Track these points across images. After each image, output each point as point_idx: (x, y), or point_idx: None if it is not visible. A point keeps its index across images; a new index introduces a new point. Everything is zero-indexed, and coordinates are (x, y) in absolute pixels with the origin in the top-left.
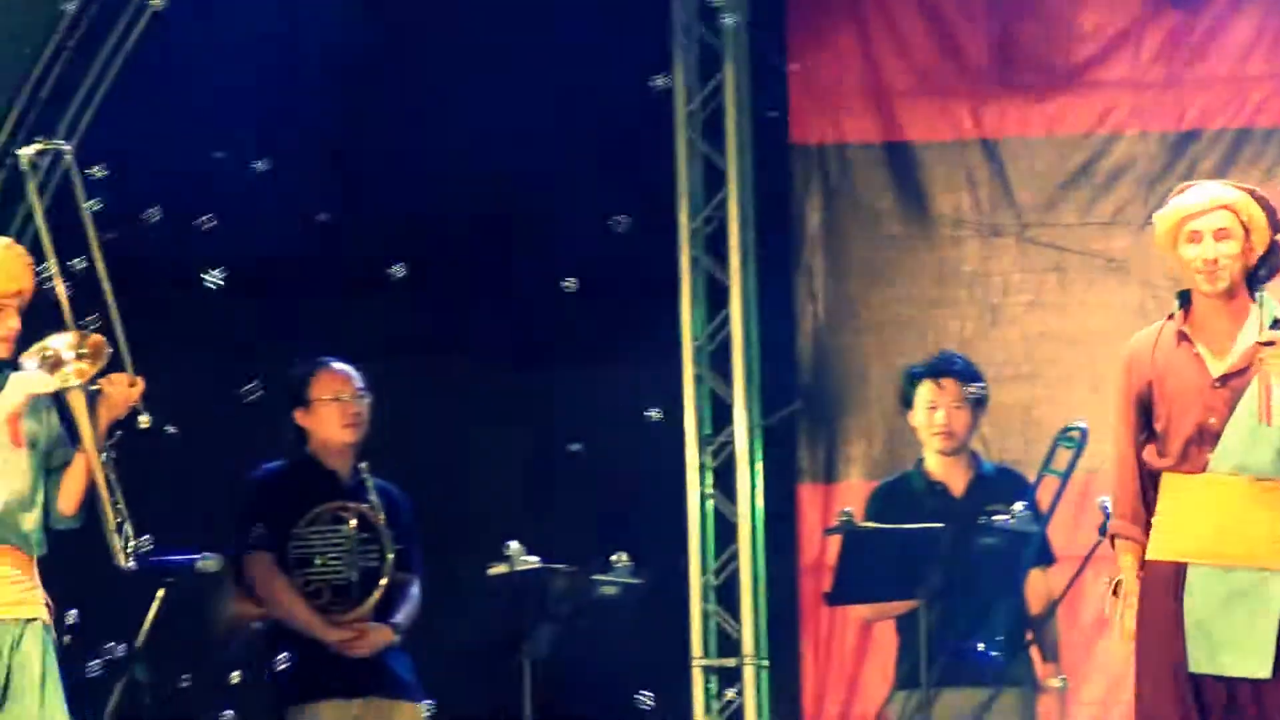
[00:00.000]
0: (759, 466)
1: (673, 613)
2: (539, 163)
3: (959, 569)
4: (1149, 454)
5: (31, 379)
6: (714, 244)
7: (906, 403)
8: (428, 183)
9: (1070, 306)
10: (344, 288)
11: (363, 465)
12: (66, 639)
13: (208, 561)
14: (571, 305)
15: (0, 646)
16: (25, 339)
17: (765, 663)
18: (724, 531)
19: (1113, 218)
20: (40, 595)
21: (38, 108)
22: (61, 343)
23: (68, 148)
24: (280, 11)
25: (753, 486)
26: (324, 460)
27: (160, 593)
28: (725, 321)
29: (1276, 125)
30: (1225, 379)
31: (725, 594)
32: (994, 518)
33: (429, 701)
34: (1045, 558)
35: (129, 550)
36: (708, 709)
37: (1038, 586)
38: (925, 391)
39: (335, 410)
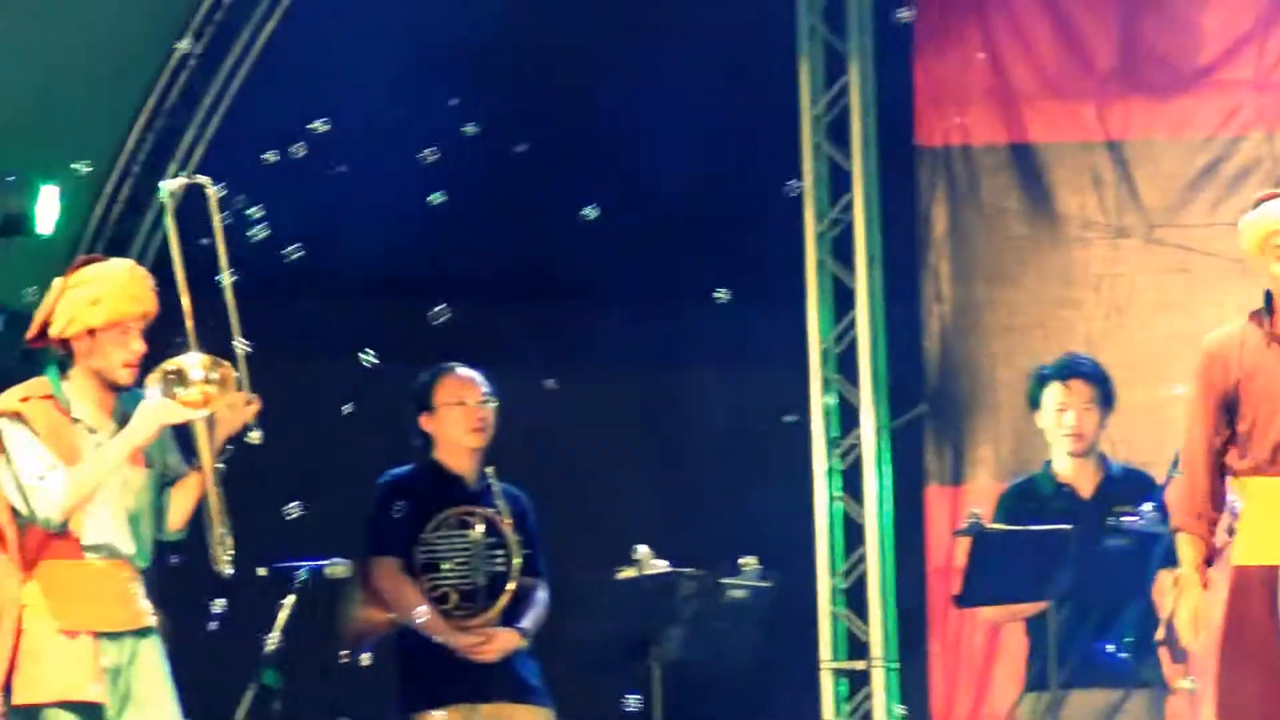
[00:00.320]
0: (886, 469)
1: (801, 616)
2: (666, 166)
3: (1088, 570)
4: (1230, 456)
5: (162, 410)
6: (840, 247)
7: (1034, 404)
8: (554, 188)
9: (1197, 307)
10: (470, 292)
11: (489, 470)
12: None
13: (337, 567)
14: (700, 309)
15: (119, 659)
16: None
17: (894, 665)
18: (852, 534)
19: (1238, 219)
20: (149, 606)
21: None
22: (190, 362)
23: (208, 181)
24: (404, 12)
25: (880, 489)
26: (450, 465)
27: (290, 598)
28: (852, 324)
29: None
30: None
31: (854, 597)
32: (1122, 519)
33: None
34: (1174, 558)
35: (230, 559)
36: (837, 712)
37: (1166, 587)
38: (1054, 393)
39: (460, 415)
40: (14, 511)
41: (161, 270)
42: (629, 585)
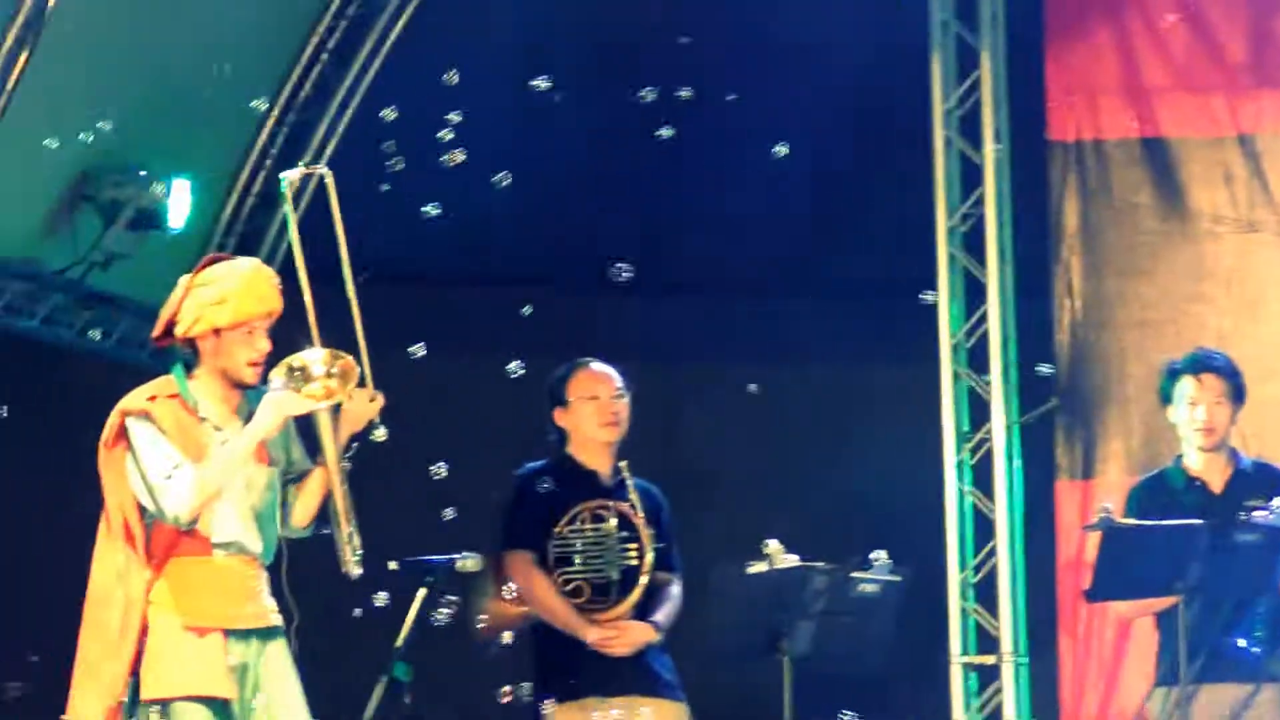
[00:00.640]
0: (1017, 463)
1: (931, 610)
2: (798, 161)
3: (1218, 565)
4: None
5: (284, 401)
6: (971, 241)
7: (1166, 399)
8: (686, 181)
9: None
10: (597, 286)
11: (623, 464)
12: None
13: (467, 561)
14: (829, 303)
15: (246, 657)
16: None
17: (1024, 660)
18: (982, 528)
19: None
20: (274, 604)
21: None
22: (313, 358)
23: (328, 172)
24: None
25: (1010, 483)
26: (584, 460)
27: (421, 592)
28: (983, 319)
29: None
30: None
31: (984, 591)
32: (1253, 513)
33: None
34: None
35: (357, 558)
36: (966, 707)
37: None
38: (1185, 387)
39: (594, 409)
40: (141, 510)
41: (292, 267)
42: (759, 579)
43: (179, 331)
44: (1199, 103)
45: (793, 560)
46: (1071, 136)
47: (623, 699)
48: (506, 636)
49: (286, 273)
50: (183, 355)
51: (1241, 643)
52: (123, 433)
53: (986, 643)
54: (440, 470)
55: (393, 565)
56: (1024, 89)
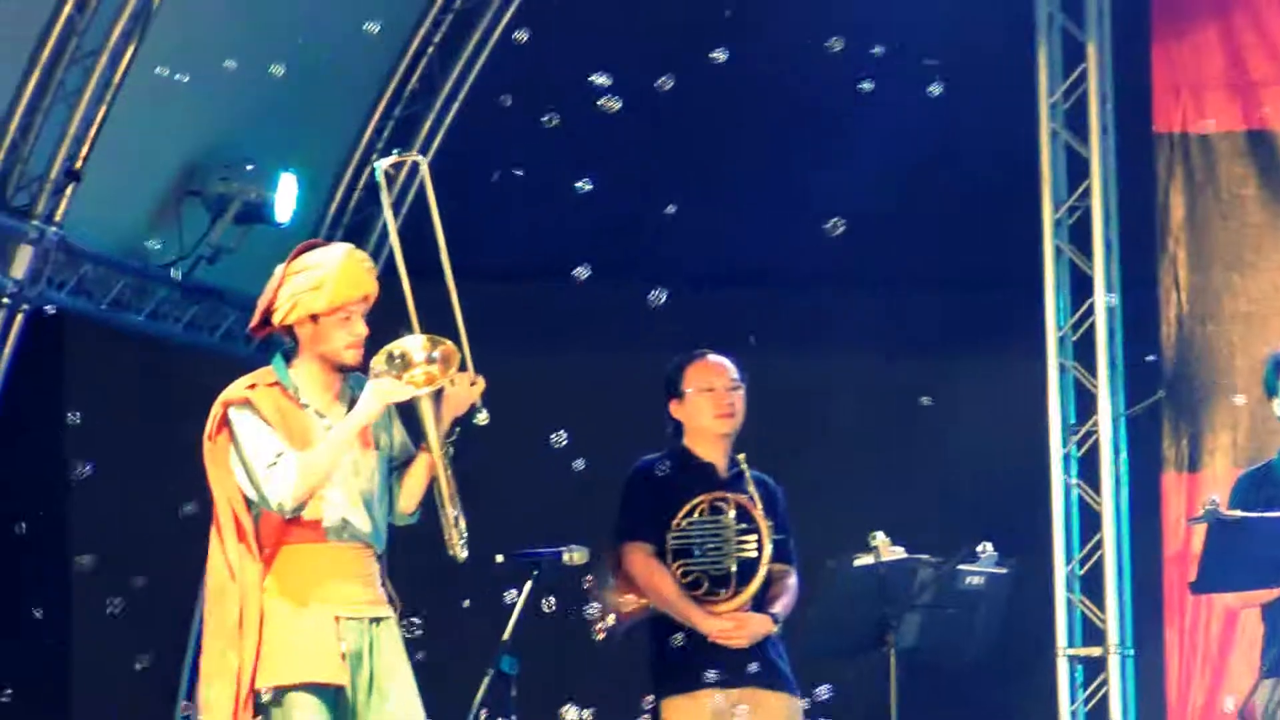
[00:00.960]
0: (1123, 455)
1: (1037, 602)
2: (904, 154)
3: None
4: None
5: (386, 389)
6: (1077, 234)
7: (1271, 391)
8: (793, 178)
9: None
10: (709, 280)
11: (740, 456)
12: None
13: (574, 553)
14: (937, 295)
15: (359, 644)
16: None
17: (1130, 652)
18: (1088, 521)
19: None
20: (385, 594)
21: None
22: (412, 344)
23: (422, 160)
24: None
25: (1116, 476)
26: (700, 452)
27: (527, 584)
28: (1089, 311)
29: None
30: None
31: (1090, 583)
32: None
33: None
34: None
35: (463, 543)
36: (1072, 698)
37: None
38: None
39: (708, 401)
40: (248, 501)
41: (413, 255)
42: (866, 572)
43: (276, 320)
44: None
45: (899, 553)
46: (1177, 129)
47: (740, 691)
48: (622, 628)
49: (390, 264)
50: (283, 346)
51: None
52: (225, 423)
53: (1092, 635)
54: (561, 438)
55: (499, 558)
56: (1130, 81)
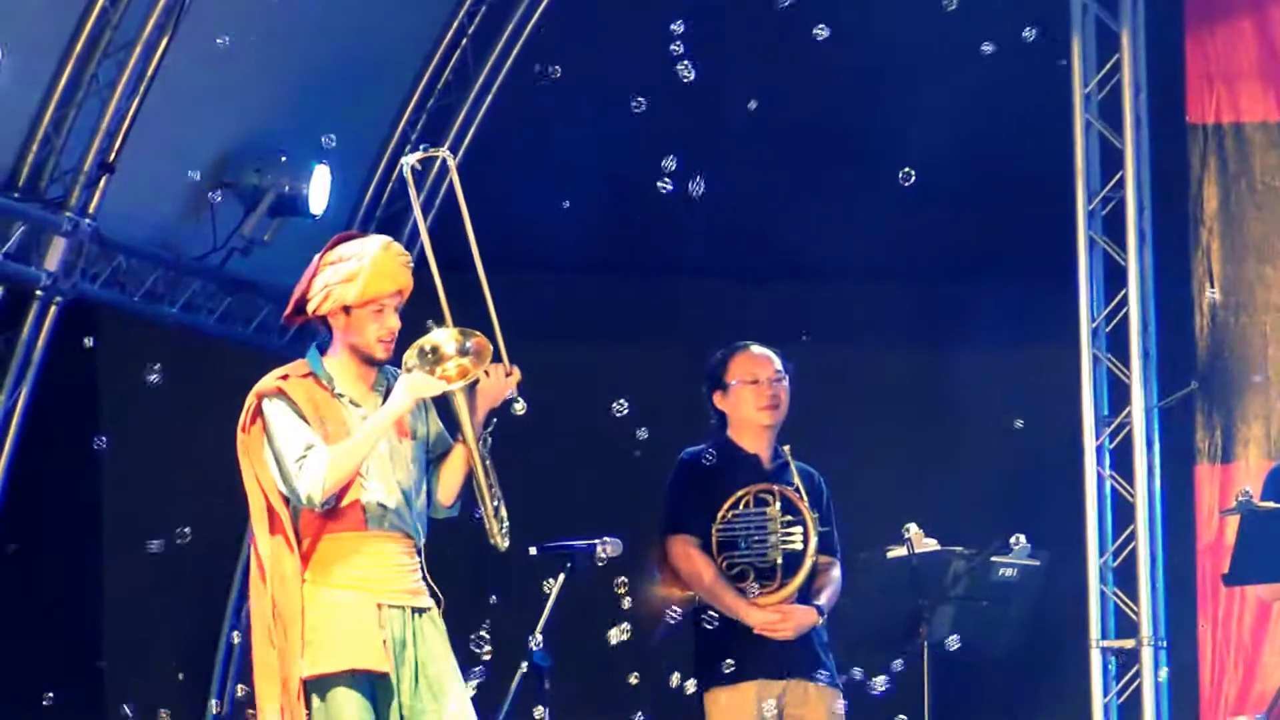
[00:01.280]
0: (1156, 447)
1: (1071, 594)
2: (937, 145)
3: None
4: None
5: (419, 383)
6: (1111, 224)
7: None
8: (828, 171)
9: None
10: (747, 275)
11: (785, 448)
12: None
13: (608, 546)
14: (970, 286)
15: (402, 632)
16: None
17: (1164, 644)
18: (1121, 512)
19: None
20: (426, 585)
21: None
22: (444, 338)
23: (449, 154)
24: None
25: (1150, 467)
26: (744, 444)
27: (560, 577)
28: (1123, 302)
29: None
30: None
31: (1123, 575)
32: None
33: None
34: None
35: (504, 532)
36: (1106, 690)
37: None
38: None
39: (752, 393)
40: (284, 493)
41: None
42: (900, 564)
43: (310, 309)
44: None
45: (932, 545)
46: (1211, 120)
47: (785, 682)
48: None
49: (422, 256)
50: (318, 337)
51: None
52: (258, 414)
53: (1126, 626)
54: (622, 406)
55: (533, 550)
56: (1164, 72)
